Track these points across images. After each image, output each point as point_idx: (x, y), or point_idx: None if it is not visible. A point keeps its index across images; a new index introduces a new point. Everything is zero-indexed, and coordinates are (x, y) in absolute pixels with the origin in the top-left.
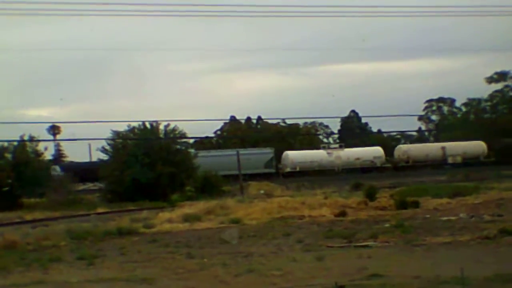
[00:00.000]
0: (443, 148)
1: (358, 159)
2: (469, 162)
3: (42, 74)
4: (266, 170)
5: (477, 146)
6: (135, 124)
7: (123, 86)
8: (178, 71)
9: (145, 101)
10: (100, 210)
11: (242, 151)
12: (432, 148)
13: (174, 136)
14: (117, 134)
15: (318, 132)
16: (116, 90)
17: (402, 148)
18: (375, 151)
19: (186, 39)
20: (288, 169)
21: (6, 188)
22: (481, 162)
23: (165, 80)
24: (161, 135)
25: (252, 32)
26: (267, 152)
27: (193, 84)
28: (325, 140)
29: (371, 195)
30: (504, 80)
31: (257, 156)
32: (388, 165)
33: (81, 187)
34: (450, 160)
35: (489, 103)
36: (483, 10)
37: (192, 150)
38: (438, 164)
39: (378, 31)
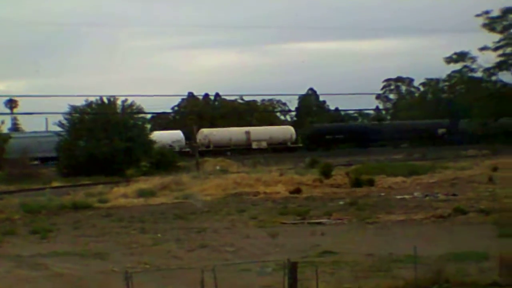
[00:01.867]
0: (247, 132)
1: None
2: (276, 148)
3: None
4: None
5: (285, 131)
6: (93, 98)
7: (83, 61)
8: (137, 46)
9: (104, 76)
10: (55, 184)
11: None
12: (235, 132)
13: (131, 111)
14: (74, 108)
15: (276, 110)
16: (75, 65)
17: (204, 132)
18: (176, 135)
19: (147, 16)
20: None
21: None
22: (288, 147)
23: (124, 56)
24: (118, 110)
25: (212, 9)
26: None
27: (152, 60)
28: (282, 117)
29: (326, 172)
30: (463, 60)
31: None
32: (265, 146)
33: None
34: (254, 145)
35: (447, 83)
36: None
37: (148, 126)
38: (243, 149)
39: (340, 10)
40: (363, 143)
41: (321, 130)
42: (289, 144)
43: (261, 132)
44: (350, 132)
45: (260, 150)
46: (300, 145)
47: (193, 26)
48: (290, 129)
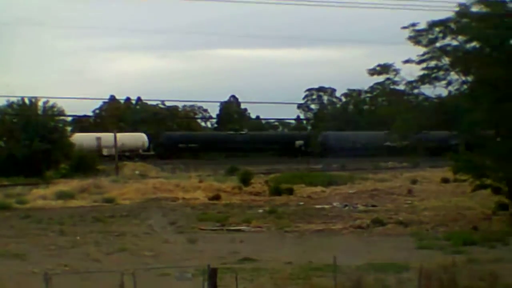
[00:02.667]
0: (98, 138)
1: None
2: (127, 155)
3: None
4: None
5: (137, 138)
6: (14, 99)
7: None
8: (61, 47)
9: (27, 77)
10: None
11: None
12: (87, 138)
13: (52, 113)
14: None
15: (197, 116)
16: None
17: None
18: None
19: (71, 17)
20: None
21: None
22: (140, 155)
23: (47, 57)
24: (40, 112)
25: (138, 13)
26: None
27: (75, 61)
28: (203, 124)
29: (245, 180)
30: (387, 73)
31: None
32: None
33: None
34: (105, 152)
35: (369, 95)
36: (370, 2)
37: (69, 128)
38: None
39: (263, 18)
40: (218, 152)
41: (173, 139)
42: (140, 151)
43: (112, 138)
44: (204, 141)
45: (109, 157)
46: (152, 153)
47: (118, 29)
48: (143, 137)
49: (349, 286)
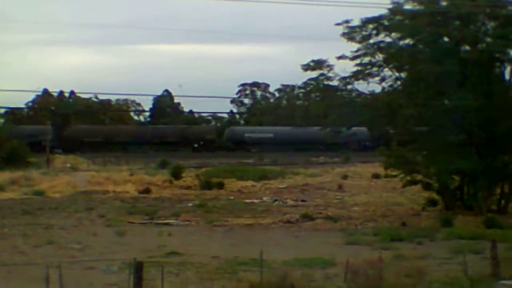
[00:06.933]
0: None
1: None
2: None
3: None
4: None
5: (43, 130)
6: None
7: None
8: None
9: None
10: None
11: None
12: None
13: None
14: None
15: (130, 109)
16: None
17: None
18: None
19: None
20: None
21: None
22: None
23: None
24: None
25: (75, 7)
26: None
27: (8, 55)
28: (136, 118)
29: (176, 174)
30: (320, 68)
31: None
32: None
33: None
34: None
35: (302, 90)
36: None
37: (1, 120)
38: None
39: (198, 13)
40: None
41: (77, 132)
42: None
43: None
44: (108, 135)
45: None
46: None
47: (51, 24)
48: (48, 129)
49: (275, 281)
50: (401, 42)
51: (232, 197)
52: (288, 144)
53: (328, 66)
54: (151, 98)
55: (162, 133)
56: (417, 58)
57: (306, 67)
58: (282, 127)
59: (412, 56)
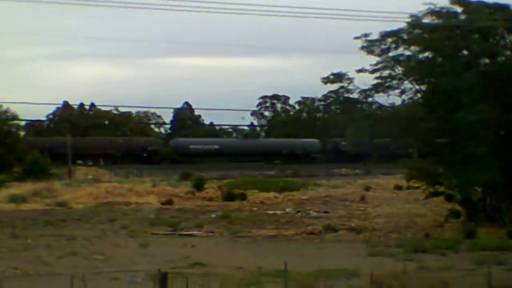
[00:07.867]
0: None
1: None
2: None
3: None
4: None
5: None
6: None
7: None
8: (14, 55)
9: None
10: None
11: None
12: None
13: (5, 118)
14: None
15: (150, 122)
16: None
17: None
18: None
19: (23, 24)
20: None
21: None
22: None
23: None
24: None
25: (91, 20)
26: None
27: (29, 68)
28: (156, 130)
29: (199, 185)
30: (340, 81)
31: None
32: None
33: None
34: None
35: (322, 103)
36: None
37: (22, 133)
38: None
39: (219, 27)
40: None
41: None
42: None
43: None
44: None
45: None
46: None
47: (71, 37)
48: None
49: None
50: (421, 55)
51: (254, 208)
52: (234, 155)
53: (348, 79)
54: (171, 110)
55: (103, 145)
56: (436, 71)
57: (326, 80)
58: (227, 138)
59: (432, 69)
